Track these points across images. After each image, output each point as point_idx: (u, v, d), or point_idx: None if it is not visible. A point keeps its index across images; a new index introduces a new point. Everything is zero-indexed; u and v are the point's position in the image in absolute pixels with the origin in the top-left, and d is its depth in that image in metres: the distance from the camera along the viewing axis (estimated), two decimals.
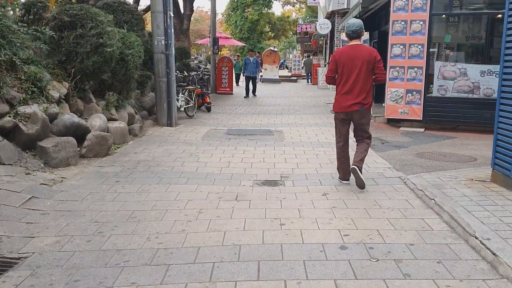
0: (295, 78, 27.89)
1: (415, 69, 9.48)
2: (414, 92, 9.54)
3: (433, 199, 4.50)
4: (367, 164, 6.20)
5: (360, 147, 5.22)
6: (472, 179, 5.24)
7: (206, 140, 8.10)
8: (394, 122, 9.98)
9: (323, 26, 19.47)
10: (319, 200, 4.72)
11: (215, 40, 17.72)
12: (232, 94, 17.55)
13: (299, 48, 45.40)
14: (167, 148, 7.29)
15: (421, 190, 4.87)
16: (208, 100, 12.34)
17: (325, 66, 22.53)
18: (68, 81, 6.77)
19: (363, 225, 3.98)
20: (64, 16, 6.70)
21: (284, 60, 51.75)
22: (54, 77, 6.56)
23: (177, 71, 14.21)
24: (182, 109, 10.64)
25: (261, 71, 21.13)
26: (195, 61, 18.50)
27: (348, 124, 5.29)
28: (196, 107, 11.39)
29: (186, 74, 13.32)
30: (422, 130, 9.50)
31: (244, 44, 37.18)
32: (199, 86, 12.65)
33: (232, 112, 12.57)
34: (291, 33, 50.65)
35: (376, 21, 13.94)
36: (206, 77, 16.66)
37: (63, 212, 4.19)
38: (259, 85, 22.04)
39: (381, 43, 12.46)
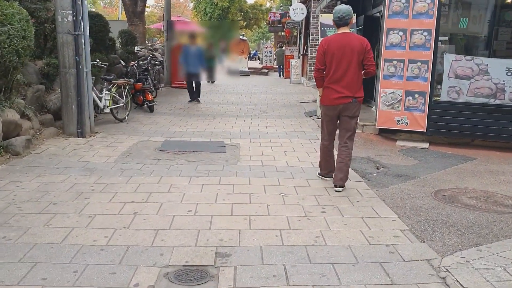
0: (266, 70, 25.35)
1: (419, 63, 7.05)
2: (416, 95, 7.13)
3: None
4: (366, 224, 3.72)
5: (342, 155, 4.68)
6: None
7: (121, 163, 5.46)
8: (387, 133, 7.56)
9: (297, 11, 16.93)
10: None
11: (169, 24, 14.93)
12: None
13: (273, 40, 42.88)
14: (48, 181, 4.61)
15: None
16: (150, 97, 9.62)
17: (298, 58, 20.05)
18: None
19: None
20: None
21: (257, 51, 49.18)
22: None
23: (121, 60, 11.47)
24: (107, 110, 7.91)
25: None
26: (145, 50, 15.64)
27: (336, 121, 4.82)
28: (129, 107, 8.65)
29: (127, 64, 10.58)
30: (426, 145, 7.12)
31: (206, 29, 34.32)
32: (134, 80, 9.90)
33: (181, 112, 9.90)
34: (264, 23, 48.12)
35: (360, 3, 11.49)
36: (157, 67, 13.90)
37: None
38: (223, 78, 19.36)
39: (367, 31, 10.02)
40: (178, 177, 4.92)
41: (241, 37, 23.08)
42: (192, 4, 46.24)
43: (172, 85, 14.85)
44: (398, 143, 7.22)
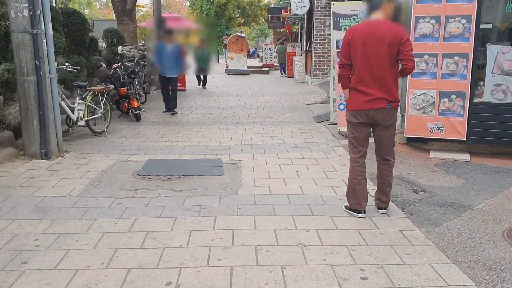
0: (267, 68, 24.00)
1: (456, 58, 5.79)
2: (454, 96, 5.86)
3: None
4: None
5: (384, 174, 3.78)
6: None
7: (87, 197, 4.20)
8: (417, 143, 6.30)
9: (299, 4, 15.62)
10: None
11: (160, 21, 13.61)
12: (184, 90, 13.56)
13: (272, 37, 41.58)
14: None
15: None
16: (136, 104, 8.36)
17: (301, 55, 18.75)
18: None
19: None
20: None
21: (256, 49, 47.92)
22: None
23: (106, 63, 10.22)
24: (82, 122, 6.65)
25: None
26: (135, 50, 14.35)
27: (368, 130, 3.75)
28: (109, 118, 7.39)
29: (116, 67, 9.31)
30: (467, 157, 5.85)
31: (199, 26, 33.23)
32: (118, 84, 8.65)
33: (172, 121, 8.64)
34: (262, 19, 46.82)
35: None
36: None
37: None
38: (222, 77, 18.14)
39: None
40: (158, 220, 3.66)
41: (239, 34, 21.76)
42: (188, 2, 45.04)
43: None
44: (433, 154, 5.95)
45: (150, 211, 3.86)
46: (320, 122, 8.41)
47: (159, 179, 4.80)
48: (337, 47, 6.72)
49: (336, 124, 7.30)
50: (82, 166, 5.26)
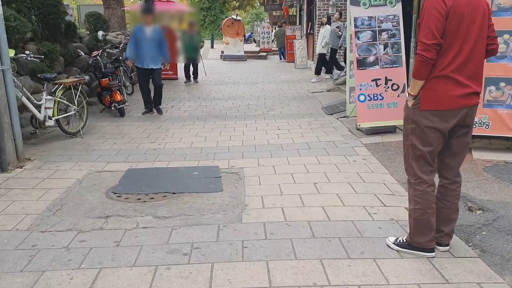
0: (265, 53, 22.74)
1: (506, 36, 4.69)
2: (502, 84, 4.77)
3: None
4: None
5: (452, 198, 2.72)
6: None
7: (39, 231, 3.11)
8: None
9: None
10: None
11: (147, 3, 12.37)
12: (176, 79, 12.39)
13: (268, 20, 40.13)
14: None
15: None
16: (118, 97, 7.23)
17: (301, 38, 17.54)
18: None
19: None
20: None
21: (252, 33, 46.51)
22: None
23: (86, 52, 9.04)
24: (51, 122, 5.54)
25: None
26: (122, 36, 13.11)
27: (445, 138, 2.60)
28: (85, 116, 6.26)
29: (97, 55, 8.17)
30: None
31: (193, 9, 32.24)
32: (99, 75, 7.54)
33: (160, 116, 7.53)
34: (258, 3, 45.29)
35: None
36: None
37: None
38: (217, 63, 16.89)
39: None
40: (132, 271, 2.59)
41: (234, 17, 20.47)
42: None
43: None
44: (476, 155, 4.87)
45: (122, 254, 2.78)
46: (332, 114, 7.32)
47: (139, 199, 3.72)
48: (356, 25, 5.59)
49: (354, 117, 6.20)
50: (44, 182, 4.17)
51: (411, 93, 2.59)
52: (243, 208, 3.49)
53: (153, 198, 3.74)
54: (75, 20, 17.01)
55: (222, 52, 20.22)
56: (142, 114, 7.54)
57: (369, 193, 3.79)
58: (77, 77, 6.38)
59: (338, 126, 6.39)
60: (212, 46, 26.32)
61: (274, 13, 35.16)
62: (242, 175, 4.32)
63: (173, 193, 3.83)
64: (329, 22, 11.67)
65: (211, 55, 21.72)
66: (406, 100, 2.67)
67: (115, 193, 3.84)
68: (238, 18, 20.23)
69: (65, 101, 5.79)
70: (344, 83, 10.39)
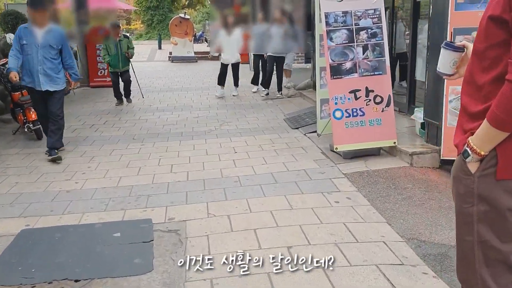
0: (217, 54, 21.47)
1: None
2: None
3: None
4: None
5: None
6: None
7: None
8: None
9: None
10: None
11: (80, 1, 10.72)
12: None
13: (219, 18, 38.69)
14: None
15: None
16: (33, 116, 5.70)
17: None
18: None
19: None
20: None
21: (203, 32, 44.92)
22: None
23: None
24: None
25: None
26: None
27: None
28: None
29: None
30: None
31: (134, 8, 30.48)
32: (7, 87, 5.97)
33: (89, 135, 6.06)
34: (208, 1, 43.80)
35: None
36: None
37: None
38: (165, 66, 15.25)
39: None
40: None
41: (182, 15, 18.99)
42: None
43: (91, 84, 10.84)
44: None
45: None
46: (297, 128, 6.15)
47: None
48: (327, 23, 4.42)
49: (327, 134, 5.01)
50: None
51: (479, 150, 1.42)
52: None
53: None
54: None
55: (170, 53, 18.75)
56: (46, 153, 4.98)
57: (368, 264, 2.62)
58: None
59: (308, 146, 5.21)
60: (159, 47, 24.69)
61: (224, 11, 33.94)
62: (184, 235, 3.04)
63: (76, 281, 2.49)
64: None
65: (158, 57, 20.18)
66: (462, 160, 1.49)
67: None
68: (187, 16, 18.83)
69: None
70: (305, 87, 9.31)
